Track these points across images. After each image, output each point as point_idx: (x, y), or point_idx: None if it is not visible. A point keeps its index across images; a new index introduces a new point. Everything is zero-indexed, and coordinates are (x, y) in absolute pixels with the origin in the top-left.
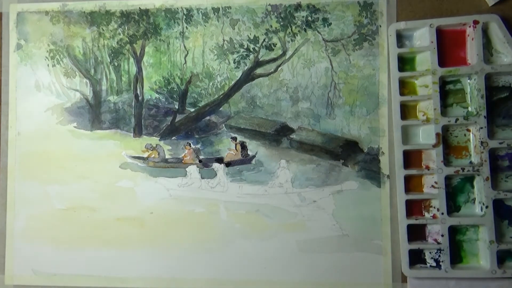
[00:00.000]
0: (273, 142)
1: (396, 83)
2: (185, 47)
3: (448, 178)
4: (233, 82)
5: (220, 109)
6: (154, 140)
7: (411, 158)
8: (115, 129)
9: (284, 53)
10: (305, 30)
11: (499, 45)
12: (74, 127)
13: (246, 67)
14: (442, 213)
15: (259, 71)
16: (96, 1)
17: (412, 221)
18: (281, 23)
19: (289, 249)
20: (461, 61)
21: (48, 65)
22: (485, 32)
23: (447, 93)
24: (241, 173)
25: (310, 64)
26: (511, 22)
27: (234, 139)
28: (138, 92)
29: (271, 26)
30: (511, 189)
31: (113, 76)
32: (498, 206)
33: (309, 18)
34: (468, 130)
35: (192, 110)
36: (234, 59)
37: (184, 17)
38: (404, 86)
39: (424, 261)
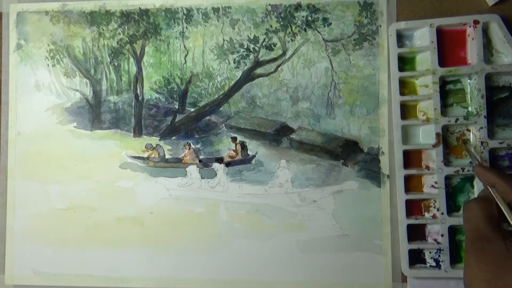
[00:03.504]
0: (273, 142)
1: (396, 83)
2: (185, 47)
3: (448, 178)
4: (233, 82)
5: (220, 109)
6: (154, 140)
7: (411, 158)
8: (115, 129)
9: (284, 53)
10: (305, 30)
11: (499, 45)
12: (74, 127)
13: (246, 67)
14: (442, 213)
15: (259, 71)
16: (96, 1)
17: (412, 221)
18: (281, 23)
19: (289, 249)
20: (461, 61)
21: (48, 65)
22: (485, 32)
23: (447, 93)
24: (241, 173)
25: (310, 64)
26: (511, 22)
27: (234, 139)
28: (138, 92)
29: (271, 26)
30: None
31: (113, 76)
32: None
33: (309, 18)
34: (468, 130)
35: (192, 110)
36: (234, 59)
37: (184, 17)
38: (404, 86)
39: (424, 261)
